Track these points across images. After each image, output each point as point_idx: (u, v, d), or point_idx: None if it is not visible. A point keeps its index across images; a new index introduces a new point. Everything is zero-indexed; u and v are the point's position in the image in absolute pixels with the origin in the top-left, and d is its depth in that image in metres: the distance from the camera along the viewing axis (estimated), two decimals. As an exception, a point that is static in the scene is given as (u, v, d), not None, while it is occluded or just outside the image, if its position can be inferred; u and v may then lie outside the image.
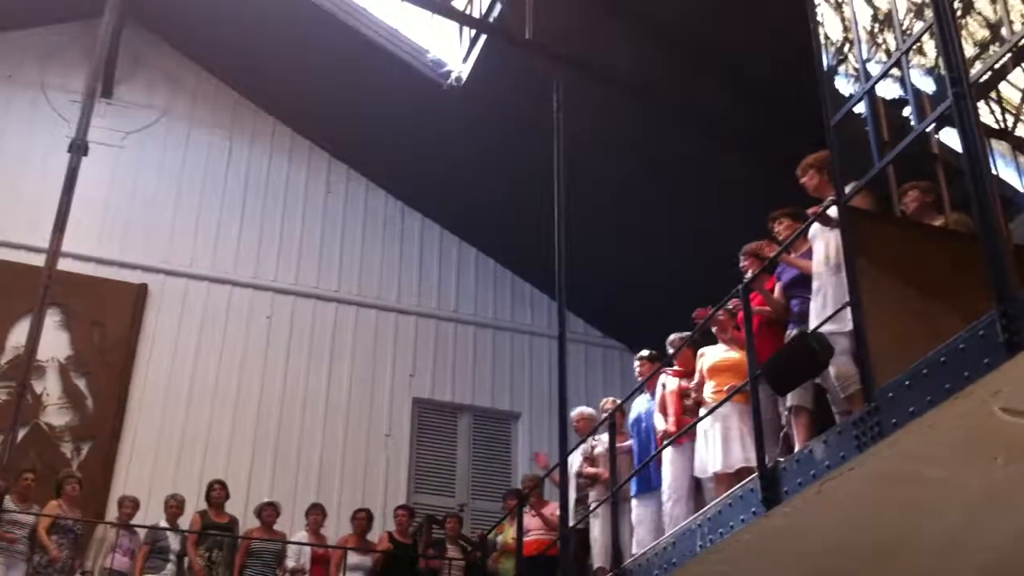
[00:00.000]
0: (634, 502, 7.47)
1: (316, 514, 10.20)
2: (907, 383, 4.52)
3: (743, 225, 7.07)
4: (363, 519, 10.23)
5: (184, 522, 9.75)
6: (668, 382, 7.35)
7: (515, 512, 9.04)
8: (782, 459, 5.47)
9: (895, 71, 5.53)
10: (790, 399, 5.79)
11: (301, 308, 12.62)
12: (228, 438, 11.57)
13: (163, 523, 9.70)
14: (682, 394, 7.21)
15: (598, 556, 7.63)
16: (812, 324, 5.54)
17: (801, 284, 5.91)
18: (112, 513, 10.11)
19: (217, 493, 9.91)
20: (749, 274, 6.47)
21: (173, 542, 9.54)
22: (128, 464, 11.09)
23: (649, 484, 7.32)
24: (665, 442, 7.03)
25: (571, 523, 7.84)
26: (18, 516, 9.08)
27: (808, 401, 5.83)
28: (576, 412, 8.83)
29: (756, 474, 5.50)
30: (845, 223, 5.28)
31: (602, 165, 10.98)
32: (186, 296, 12.24)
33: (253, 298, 12.49)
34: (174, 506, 9.76)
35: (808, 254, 5.96)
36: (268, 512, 9.97)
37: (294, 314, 12.56)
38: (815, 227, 5.78)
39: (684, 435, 6.83)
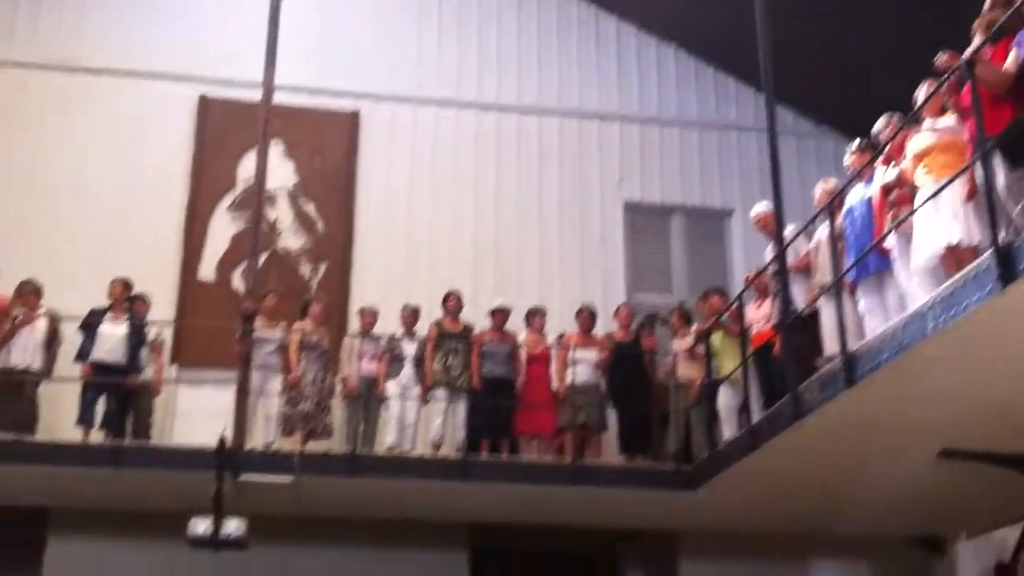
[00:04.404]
0: (858, 292, 7.42)
1: (539, 316, 10.70)
2: None
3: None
4: (587, 317, 10.69)
5: (420, 329, 10.41)
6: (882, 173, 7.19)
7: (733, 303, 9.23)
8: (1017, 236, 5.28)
9: None
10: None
11: (505, 123, 12.82)
12: (450, 251, 12.10)
13: (399, 332, 10.40)
14: (887, 190, 7.06)
15: (828, 342, 7.67)
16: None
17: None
18: (353, 325, 10.93)
19: (452, 304, 10.50)
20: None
21: (408, 348, 10.25)
22: (362, 280, 11.82)
23: (867, 270, 7.27)
24: (879, 237, 6.95)
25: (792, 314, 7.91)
26: (267, 334, 9.97)
27: None
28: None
29: (990, 251, 5.33)
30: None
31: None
32: (394, 120, 12.59)
33: (458, 116, 12.75)
34: (408, 316, 10.45)
35: None
36: (500, 316, 10.54)
37: (499, 129, 12.78)
38: None
39: (903, 224, 6.70)
